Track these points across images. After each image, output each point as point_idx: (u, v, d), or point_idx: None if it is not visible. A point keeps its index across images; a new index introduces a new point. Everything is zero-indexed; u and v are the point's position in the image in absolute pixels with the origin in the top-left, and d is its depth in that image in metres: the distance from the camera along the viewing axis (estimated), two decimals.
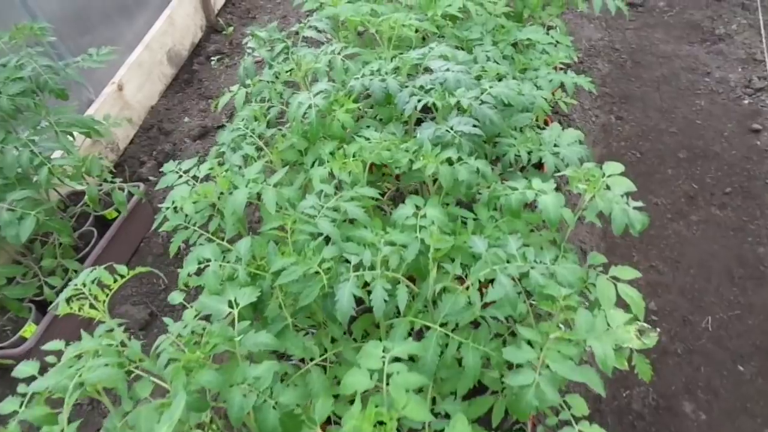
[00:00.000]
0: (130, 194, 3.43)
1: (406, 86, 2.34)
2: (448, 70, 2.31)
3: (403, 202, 2.15)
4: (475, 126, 2.17)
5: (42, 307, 3.01)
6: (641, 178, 3.75)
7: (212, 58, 4.98)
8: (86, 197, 3.20)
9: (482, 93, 2.35)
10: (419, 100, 2.22)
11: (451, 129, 2.16)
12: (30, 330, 2.91)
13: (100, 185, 3.31)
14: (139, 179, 4.06)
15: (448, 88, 2.26)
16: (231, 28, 5.24)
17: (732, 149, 3.84)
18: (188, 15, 5.02)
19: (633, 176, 3.78)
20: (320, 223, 1.96)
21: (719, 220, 3.48)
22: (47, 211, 2.85)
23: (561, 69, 3.24)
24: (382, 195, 2.63)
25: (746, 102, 4.14)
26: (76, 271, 3.09)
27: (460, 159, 2.13)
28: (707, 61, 4.49)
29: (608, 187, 2.23)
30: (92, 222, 3.43)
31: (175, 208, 2.20)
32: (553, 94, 2.97)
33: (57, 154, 3.29)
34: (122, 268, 1.66)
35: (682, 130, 4.01)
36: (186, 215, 2.18)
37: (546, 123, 3.38)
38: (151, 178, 4.03)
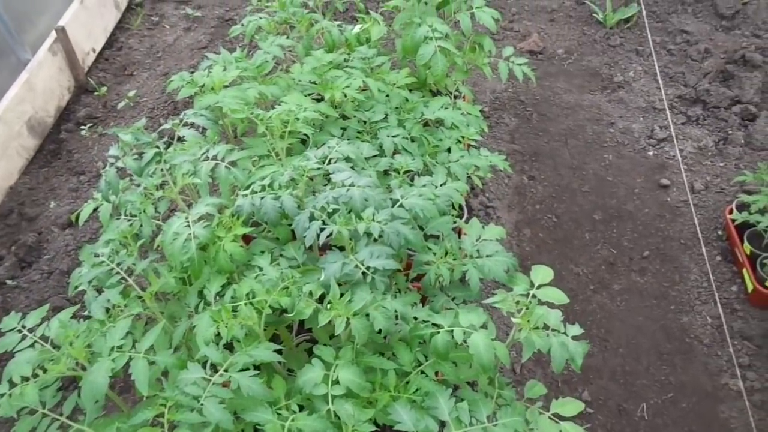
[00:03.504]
0: None
1: (306, 205, 1.98)
2: (353, 184, 1.97)
3: (310, 355, 1.79)
4: (390, 255, 1.85)
5: None
6: (560, 245, 3.58)
7: (83, 125, 4.38)
8: None
9: (394, 205, 2.04)
10: (322, 229, 1.87)
11: (362, 263, 1.82)
12: None
13: None
14: None
15: (355, 209, 1.92)
16: (104, 88, 4.66)
17: (644, 207, 3.77)
18: (52, 77, 4.40)
19: (552, 243, 3.64)
20: (207, 408, 1.55)
21: (641, 287, 3.36)
22: None
23: (470, 144, 3.01)
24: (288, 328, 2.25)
25: (651, 153, 4.11)
26: None
27: (374, 298, 1.79)
28: (610, 110, 4.45)
29: (539, 300, 1.98)
30: None
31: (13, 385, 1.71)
32: None
33: None
34: None
35: (594, 188, 3.90)
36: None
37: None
38: (8, 281, 3.41)
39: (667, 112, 4.33)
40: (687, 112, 4.31)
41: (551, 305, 1.95)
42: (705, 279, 3.34)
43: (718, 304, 3.20)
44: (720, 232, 3.55)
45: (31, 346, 1.82)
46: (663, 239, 3.58)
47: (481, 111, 3.51)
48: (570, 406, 1.93)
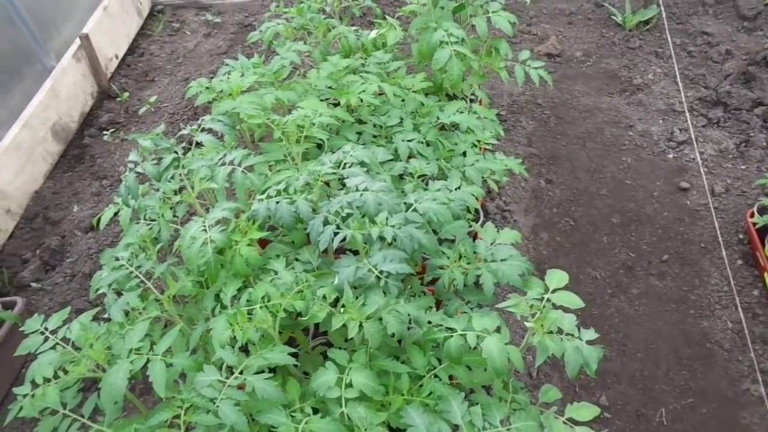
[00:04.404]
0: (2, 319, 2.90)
1: (320, 209, 2.01)
2: (366, 189, 1.99)
3: (326, 358, 1.81)
4: (403, 260, 1.86)
5: None
6: (577, 248, 3.56)
7: (105, 130, 4.46)
8: None
9: (408, 209, 2.05)
10: (336, 233, 1.89)
11: (375, 268, 1.83)
12: None
13: None
14: (19, 285, 3.50)
15: (368, 213, 1.93)
16: (126, 94, 4.75)
17: (663, 210, 3.73)
18: (75, 83, 4.50)
19: (569, 246, 3.62)
20: (223, 410, 1.58)
21: (660, 291, 3.33)
22: None
23: (486, 148, 3.01)
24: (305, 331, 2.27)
25: (671, 156, 4.06)
26: None
27: (387, 302, 1.81)
28: (628, 113, 4.41)
29: (553, 305, 1.98)
30: None
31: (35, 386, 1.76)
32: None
33: None
34: None
35: (612, 191, 3.87)
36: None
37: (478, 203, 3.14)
38: (33, 284, 3.49)
39: (687, 114, 4.28)
40: (707, 115, 4.25)
41: (566, 309, 1.95)
42: (725, 283, 3.29)
43: (739, 309, 3.16)
44: (741, 236, 3.50)
45: (53, 347, 1.86)
46: (682, 243, 3.54)
47: (497, 114, 3.50)
48: (585, 410, 1.92)
